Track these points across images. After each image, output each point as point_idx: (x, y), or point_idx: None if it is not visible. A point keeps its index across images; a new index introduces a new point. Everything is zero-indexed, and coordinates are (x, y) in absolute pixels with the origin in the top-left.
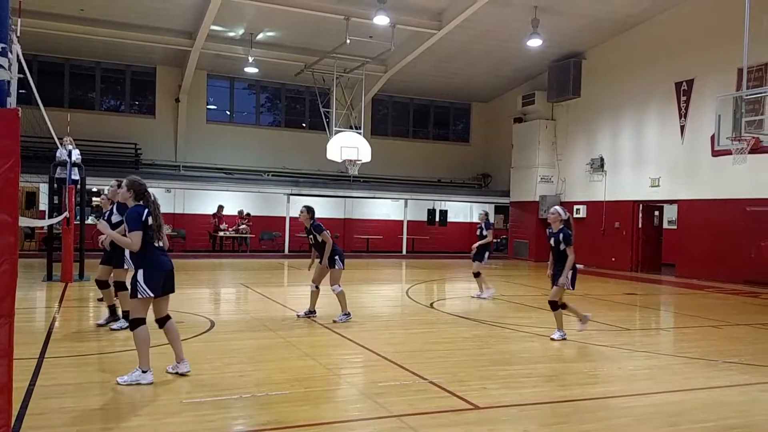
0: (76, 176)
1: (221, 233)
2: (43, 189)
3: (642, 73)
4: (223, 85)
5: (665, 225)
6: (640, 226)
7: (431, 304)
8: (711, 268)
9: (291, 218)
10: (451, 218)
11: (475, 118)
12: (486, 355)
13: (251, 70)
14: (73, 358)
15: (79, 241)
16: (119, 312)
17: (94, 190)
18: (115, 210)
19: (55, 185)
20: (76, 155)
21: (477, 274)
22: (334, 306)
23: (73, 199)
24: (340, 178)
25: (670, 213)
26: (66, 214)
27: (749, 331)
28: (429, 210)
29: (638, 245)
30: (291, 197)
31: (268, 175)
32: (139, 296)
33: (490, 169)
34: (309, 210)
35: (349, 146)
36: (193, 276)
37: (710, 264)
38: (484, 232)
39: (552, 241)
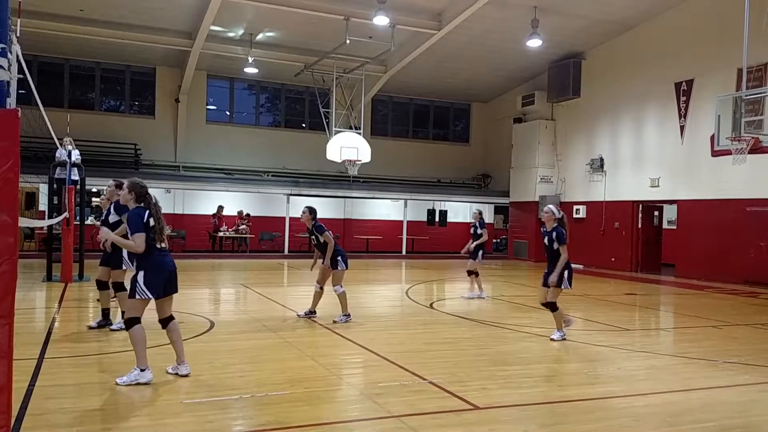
0: (75, 177)
1: (221, 233)
2: (43, 189)
3: (642, 74)
4: (223, 85)
5: (665, 225)
6: (639, 226)
7: (431, 305)
8: (711, 268)
9: (291, 218)
10: (450, 218)
11: (475, 119)
12: (486, 355)
13: (251, 70)
14: (73, 358)
15: (79, 241)
16: (112, 317)
17: (94, 190)
18: (112, 210)
19: (55, 186)
20: (75, 155)
21: (471, 273)
22: (335, 306)
23: (73, 200)
24: (339, 179)
25: (670, 213)
26: (66, 214)
27: (749, 331)
28: (429, 210)
29: (638, 245)
30: (291, 197)
31: (267, 175)
32: (137, 297)
33: (490, 169)
34: (311, 211)
35: (348, 146)
36: (192, 276)
37: (710, 264)
38: (479, 231)
39: (546, 240)
